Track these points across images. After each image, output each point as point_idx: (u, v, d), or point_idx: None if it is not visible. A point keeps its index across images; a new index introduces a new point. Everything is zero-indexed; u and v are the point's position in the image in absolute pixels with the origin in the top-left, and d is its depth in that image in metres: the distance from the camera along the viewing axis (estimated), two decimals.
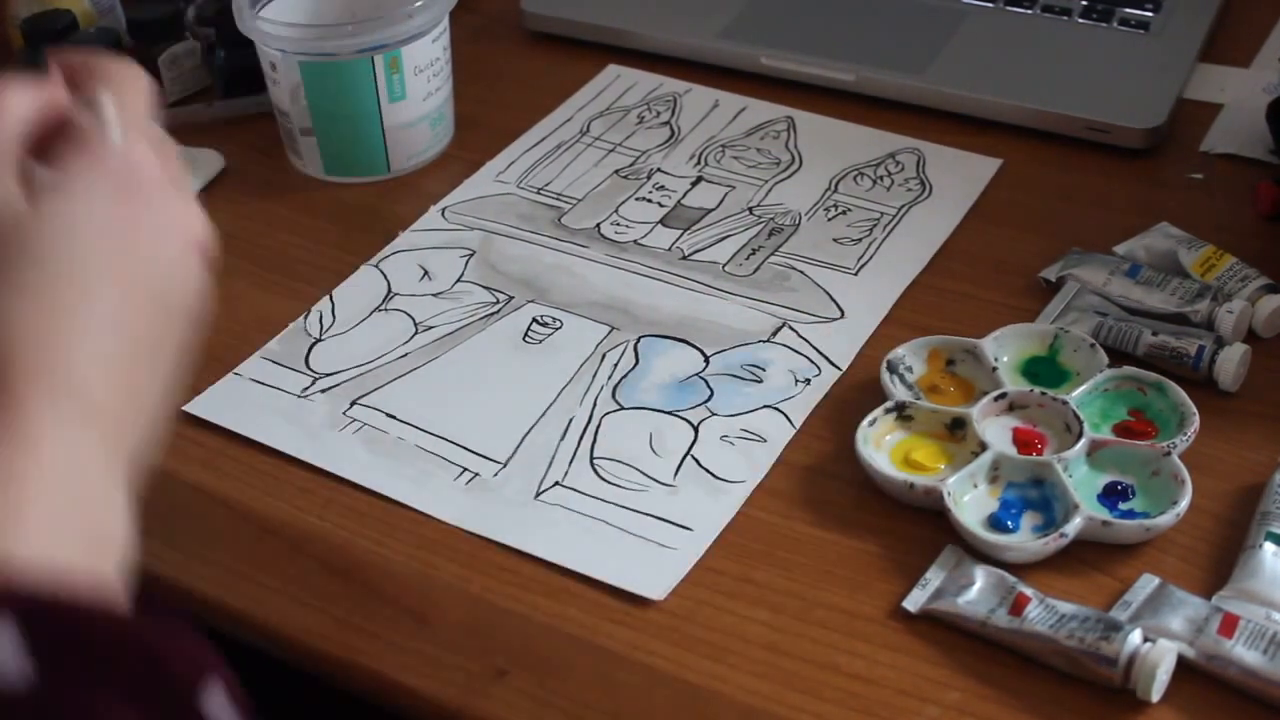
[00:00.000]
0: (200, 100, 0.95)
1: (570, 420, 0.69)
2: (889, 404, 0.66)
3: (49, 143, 0.50)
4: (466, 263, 0.80)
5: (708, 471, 0.66)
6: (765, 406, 0.69)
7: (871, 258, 0.78)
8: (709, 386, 0.70)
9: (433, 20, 0.83)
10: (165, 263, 0.50)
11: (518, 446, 0.68)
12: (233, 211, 0.85)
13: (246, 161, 0.89)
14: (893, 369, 0.69)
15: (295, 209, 0.85)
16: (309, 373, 0.73)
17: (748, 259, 0.79)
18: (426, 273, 0.79)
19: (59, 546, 0.43)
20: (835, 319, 0.74)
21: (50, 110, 0.51)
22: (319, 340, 0.75)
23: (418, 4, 0.82)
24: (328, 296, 0.78)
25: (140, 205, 0.49)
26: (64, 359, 0.46)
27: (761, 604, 0.60)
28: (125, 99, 0.52)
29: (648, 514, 0.64)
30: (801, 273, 0.78)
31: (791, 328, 0.74)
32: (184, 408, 0.70)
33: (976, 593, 0.58)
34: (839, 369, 0.71)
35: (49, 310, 0.46)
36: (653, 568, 0.61)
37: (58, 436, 0.44)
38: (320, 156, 0.86)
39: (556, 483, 0.66)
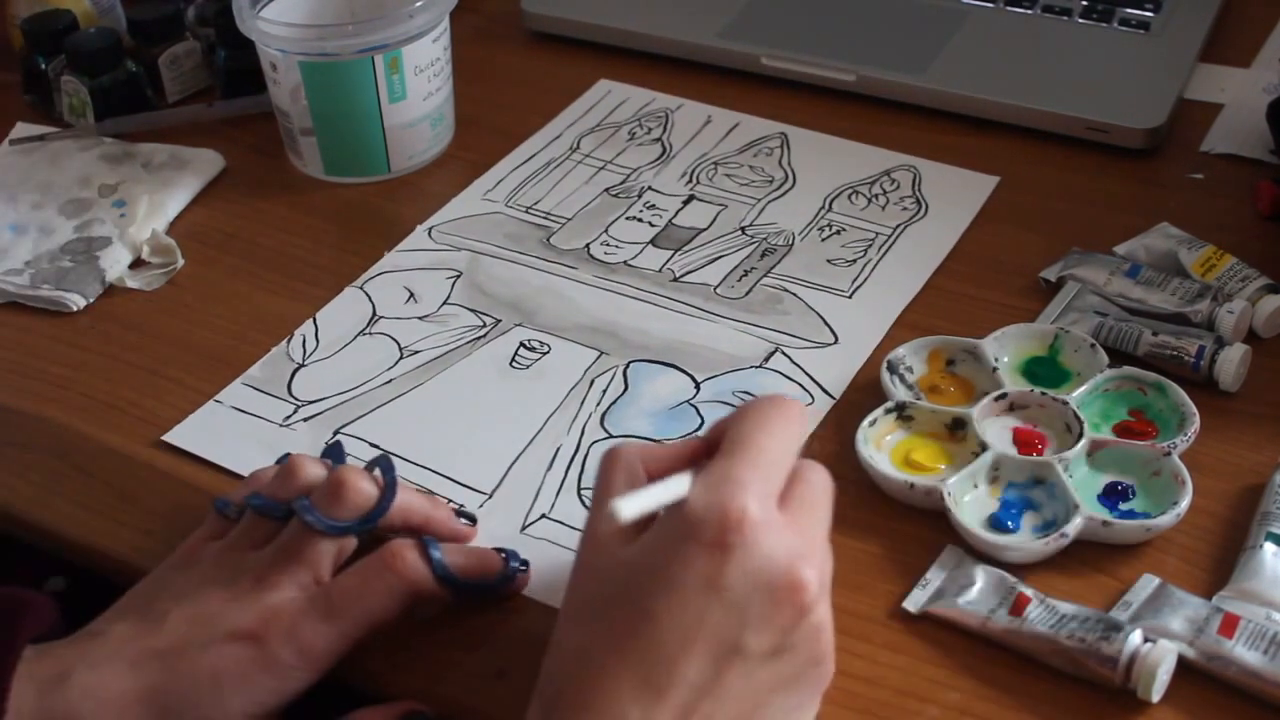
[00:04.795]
0: (200, 100, 0.95)
1: (558, 449, 0.67)
2: (889, 404, 0.66)
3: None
4: (453, 284, 0.78)
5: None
6: None
7: (866, 279, 0.77)
8: (699, 414, 0.69)
9: (433, 20, 0.83)
10: (754, 617, 0.48)
11: (503, 477, 0.66)
12: (233, 211, 0.85)
13: (246, 161, 0.89)
14: (893, 369, 0.69)
15: (295, 209, 0.85)
16: (291, 400, 0.71)
17: (739, 281, 0.77)
18: (412, 295, 0.77)
19: None
20: (829, 344, 0.73)
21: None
22: (302, 366, 0.73)
23: (418, 4, 0.82)
24: (311, 320, 0.76)
25: (725, 563, 0.47)
26: (618, 711, 0.47)
27: None
28: (766, 433, 0.51)
29: None
30: (795, 295, 0.76)
31: (784, 353, 0.72)
32: (163, 437, 0.69)
33: (977, 593, 0.58)
34: (832, 397, 0.69)
35: (618, 664, 0.47)
36: None
37: None
38: (320, 156, 0.86)
39: (543, 515, 0.64)
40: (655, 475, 0.52)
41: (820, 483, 0.52)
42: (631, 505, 0.49)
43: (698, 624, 0.47)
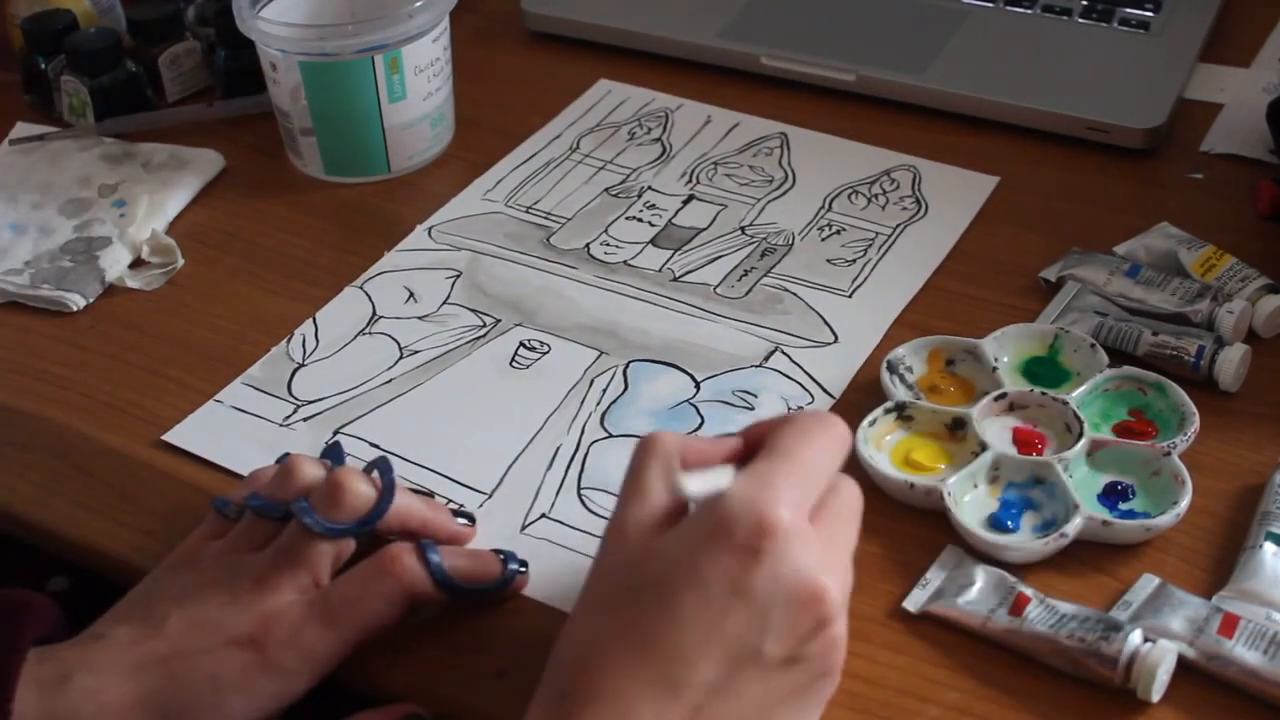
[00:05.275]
0: (200, 100, 0.95)
1: (557, 449, 0.67)
2: (889, 404, 0.66)
3: None
4: (453, 284, 0.78)
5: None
6: None
7: (866, 279, 0.77)
8: (699, 414, 0.69)
9: (433, 20, 0.83)
10: (775, 624, 0.48)
11: (503, 477, 0.66)
12: (233, 211, 0.85)
13: (246, 161, 0.89)
14: (893, 369, 0.69)
15: (295, 209, 0.85)
16: (291, 400, 0.71)
17: (739, 280, 0.77)
18: (412, 295, 0.77)
19: None
20: (829, 344, 0.73)
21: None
22: (302, 365, 0.73)
23: (418, 4, 0.82)
24: (311, 320, 0.76)
25: (754, 567, 0.47)
26: (629, 704, 0.47)
27: None
28: (797, 452, 0.51)
29: None
30: (795, 295, 0.76)
31: (784, 352, 0.72)
32: (163, 437, 0.69)
33: (977, 593, 0.58)
34: (832, 397, 0.69)
35: (634, 657, 0.47)
36: None
37: None
38: (320, 156, 0.86)
39: (543, 515, 0.64)
40: (692, 468, 0.52)
41: (853, 499, 0.53)
42: (694, 484, 0.49)
43: (719, 625, 0.47)
